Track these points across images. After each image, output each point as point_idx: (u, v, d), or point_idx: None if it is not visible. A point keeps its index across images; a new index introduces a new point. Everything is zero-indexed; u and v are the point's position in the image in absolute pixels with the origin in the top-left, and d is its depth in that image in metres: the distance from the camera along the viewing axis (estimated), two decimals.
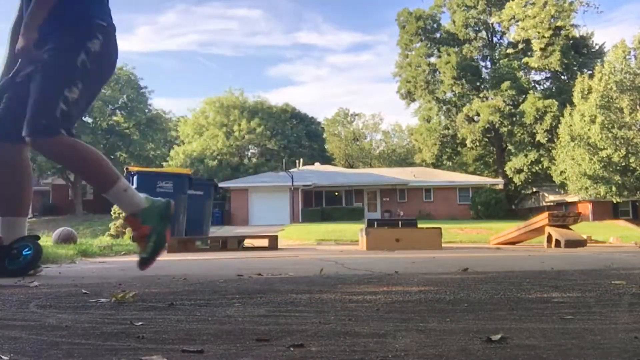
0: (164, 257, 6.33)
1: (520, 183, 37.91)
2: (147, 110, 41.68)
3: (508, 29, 39.49)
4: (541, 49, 36.61)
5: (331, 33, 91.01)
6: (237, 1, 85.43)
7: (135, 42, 79.41)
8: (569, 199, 33.36)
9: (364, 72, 75.57)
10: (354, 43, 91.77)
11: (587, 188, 27.95)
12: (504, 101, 37.53)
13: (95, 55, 2.26)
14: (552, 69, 37.91)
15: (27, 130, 2.20)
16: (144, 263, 2.30)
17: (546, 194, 36.94)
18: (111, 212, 24.72)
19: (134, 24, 79.25)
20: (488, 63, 42.73)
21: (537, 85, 40.91)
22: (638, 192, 28.06)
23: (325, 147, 53.09)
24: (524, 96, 37.46)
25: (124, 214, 2.38)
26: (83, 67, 2.23)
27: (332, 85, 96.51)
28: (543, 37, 36.47)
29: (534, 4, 36.06)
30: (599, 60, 36.68)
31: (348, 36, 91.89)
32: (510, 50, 40.02)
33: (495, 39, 43.33)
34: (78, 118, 2.43)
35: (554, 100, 35.68)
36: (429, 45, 42.82)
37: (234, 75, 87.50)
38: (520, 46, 38.43)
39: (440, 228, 9.70)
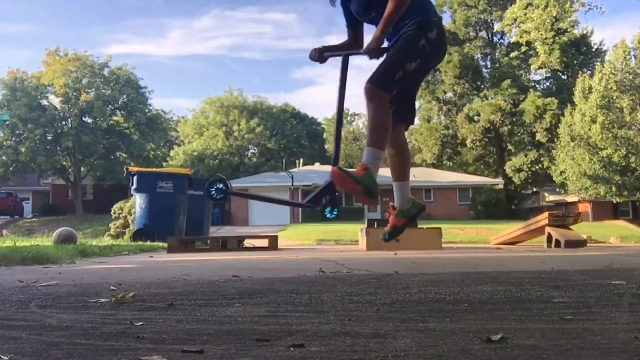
0: (164, 257, 6.33)
1: (520, 182, 37.91)
2: (147, 110, 41.67)
3: (510, 30, 39.46)
4: (544, 52, 36.65)
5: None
6: (272, 5, 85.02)
7: (166, 45, 78.77)
8: (569, 199, 33.37)
9: None
10: None
11: (587, 188, 27.96)
12: (505, 100, 37.54)
13: (432, 42, 2.94)
14: (553, 68, 37.93)
15: (371, 79, 2.83)
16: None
17: (546, 194, 36.95)
18: (111, 212, 24.74)
19: (168, 28, 78.81)
20: (488, 62, 42.77)
21: (537, 85, 40.95)
22: (638, 192, 28.07)
23: (325, 147, 53.10)
24: (524, 95, 37.49)
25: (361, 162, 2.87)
26: (423, 49, 2.91)
27: (352, 85, 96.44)
28: (545, 38, 36.48)
29: (537, 6, 36.03)
30: (599, 59, 36.71)
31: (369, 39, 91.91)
32: (511, 51, 40.02)
33: (495, 39, 43.36)
34: (405, 88, 3.02)
35: (553, 98, 35.71)
36: None
37: (259, 78, 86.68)
38: (523, 49, 38.42)
39: (440, 228, 9.70)
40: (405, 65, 2.91)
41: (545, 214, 10.54)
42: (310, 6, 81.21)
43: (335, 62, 3.29)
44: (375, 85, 2.88)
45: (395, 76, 2.90)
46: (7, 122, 35.39)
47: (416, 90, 3.29)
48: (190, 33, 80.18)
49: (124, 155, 40.45)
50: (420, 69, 3.02)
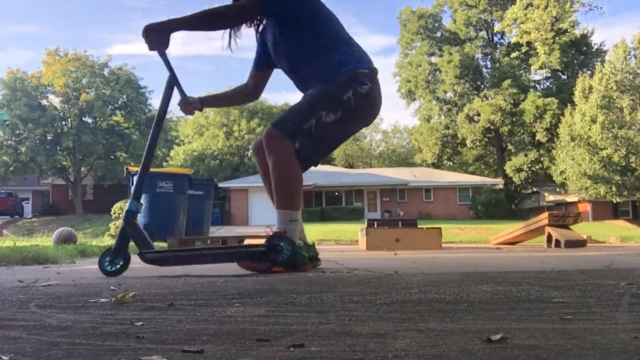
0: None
1: (520, 182, 37.92)
2: (147, 110, 41.67)
3: (510, 31, 39.40)
4: (544, 53, 36.64)
5: (363, 37, 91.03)
6: None
7: (170, 46, 79.14)
8: (569, 199, 33.36)
9: (387, 74, 76.11)
10: (384, 47, 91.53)
11: (587, 188, 27.98)
12: (505, 100, 37.53)
13: (362, 97, 2.51)
14: (553, 68, 37.93)
15: (273, 122, 2.56)
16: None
17: (546, 194, 36.94)
18: (111, 212, 24.73)
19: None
20: (488, 62, 42.75)
21: (537, 85, 40.95)
22: (638, 192, 28.07)
23: None
24: (524, 95, 37.48)
25: (274, 228, 2.72)
26: (347, 102, 2.50)
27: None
28: (545, 39, 36.45)
29: (537, 6, 35.98)
30: (599, 59, 36.71)
31: (379, 39, 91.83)
32: (511, 51, 39.98)
33: (495, 39, 43.34)
34: (319, 151, 2.71)
35: (553, 98, 35.72)
36: (430, 44, 42.80)
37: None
38: (523, 49, 38.40)
39: (440, 228, 9.69)
40: (321, 114, 2.47)
41: (545, 214, 10.53)
42: None
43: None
44: (277, 131, 2.49)
45: (303, 125, 2.47)
46: (7, 122, 35.38)
47: (333, 147, 2.81)
48: (194, 33, 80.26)
49: (124, 155, 40.44)
50: (341, 125, 2.54)
